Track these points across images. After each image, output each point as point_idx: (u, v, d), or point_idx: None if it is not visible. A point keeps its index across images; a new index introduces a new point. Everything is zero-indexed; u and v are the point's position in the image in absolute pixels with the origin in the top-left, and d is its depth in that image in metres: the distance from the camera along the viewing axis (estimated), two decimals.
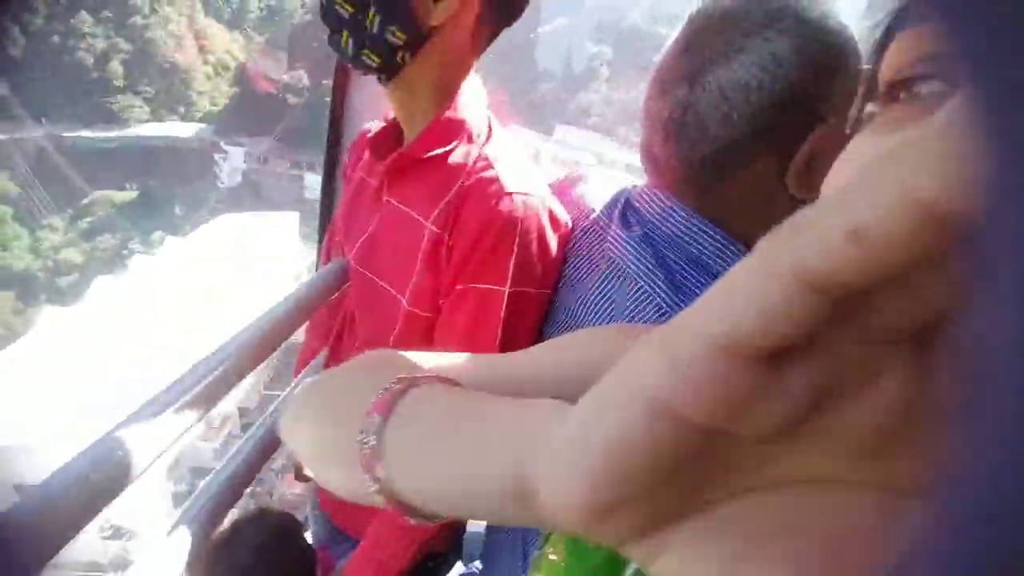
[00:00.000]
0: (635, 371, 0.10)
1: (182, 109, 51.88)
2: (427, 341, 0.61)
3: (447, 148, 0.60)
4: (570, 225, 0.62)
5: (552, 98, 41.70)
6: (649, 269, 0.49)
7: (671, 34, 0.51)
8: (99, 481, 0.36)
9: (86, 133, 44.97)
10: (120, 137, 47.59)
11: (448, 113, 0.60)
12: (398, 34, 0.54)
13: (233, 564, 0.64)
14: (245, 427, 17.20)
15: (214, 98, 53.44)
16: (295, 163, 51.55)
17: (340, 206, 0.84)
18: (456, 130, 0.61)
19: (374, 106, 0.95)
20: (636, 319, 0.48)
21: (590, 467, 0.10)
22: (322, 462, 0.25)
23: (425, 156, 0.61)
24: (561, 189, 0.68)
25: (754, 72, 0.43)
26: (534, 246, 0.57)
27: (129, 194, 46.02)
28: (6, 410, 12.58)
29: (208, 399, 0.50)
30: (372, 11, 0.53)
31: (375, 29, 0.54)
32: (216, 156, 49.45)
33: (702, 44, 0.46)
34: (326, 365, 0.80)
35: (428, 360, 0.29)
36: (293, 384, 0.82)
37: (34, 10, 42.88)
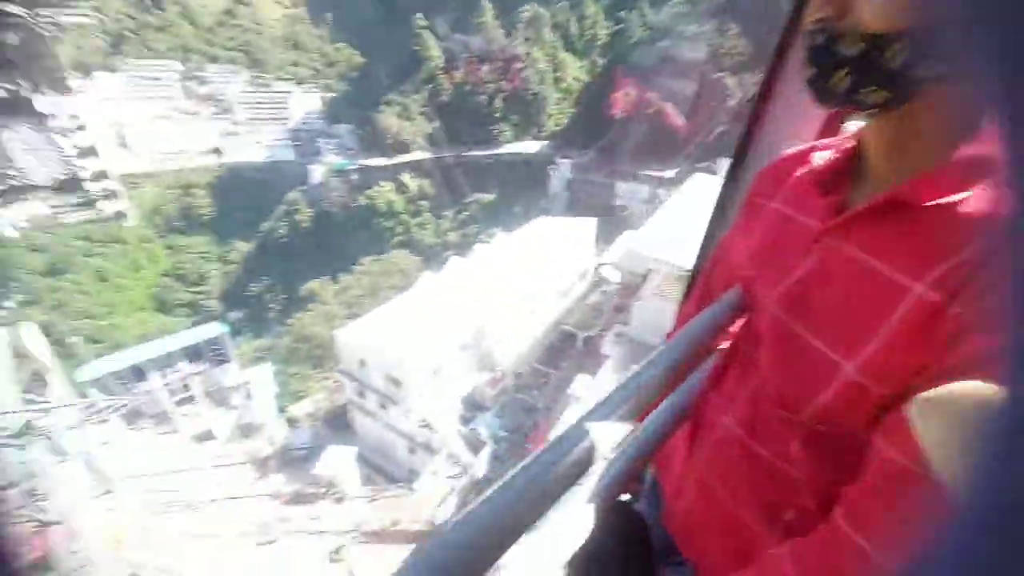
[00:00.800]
0: None
1: (535, 130, 63.83)
2: (870, 418, 0.53)
3: (960, 197, 0.49)
4: None
5: None
6: None
7: None
8: (537, 490, 0.42)
9: (475, 152, 61.15)
10: (493, 155, 62.37)
11: (965, 152, 0.50)
12: (929, 67, 0.47)
13: (594, 551, 0.63)
14: (517, 388, 20.66)
15: (559, 119, 63.62)
16: (609, 173, 55.67)
17: (734, 232, 0.81)
18: (975, 176, 0.49)
19: (780, 138, 0.94)
20: None
21: None
22: None
23: (926, 204, 0.51)
24: None
25: None
26: None
27: (492, 196, 60.40)
28: (393, 337, 19.16)
29: (633, 412, 0.57)
30: (897, 45, 0.47)
31: (896, 63, 0.47)
32: (549, 168, 58.87)
33: None
34: (703, 397, 0.77)
35: None
36: (669, 406, 0.79)
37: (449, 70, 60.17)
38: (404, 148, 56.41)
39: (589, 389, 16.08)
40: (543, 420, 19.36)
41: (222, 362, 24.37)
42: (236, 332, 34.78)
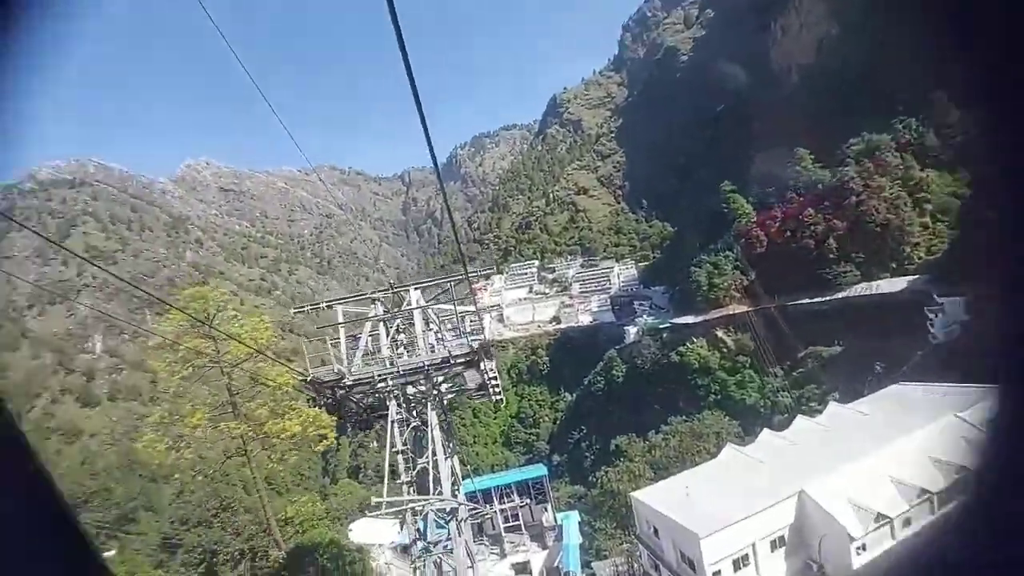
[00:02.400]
0: None
1: (893, 265, 51.47)
2: None
3: None
4: None
5: None
6: None
7: None
8: None
9: (804, 300, 53.46)
10: (830, 300, 52.79)
11: None
12: None
13: None
14: None
15: (931, 246, 49.72)
16: None
17: None
18: None
19: None
20: None
21: None
22: None
23: None
24: None
25: None
26: None
27: (835, 350, 49.54)
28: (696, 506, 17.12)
29: None
30: None
31: None
32: (927, 309, 44.73)
33: None
34: None
35: None
36: None
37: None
38: (716, 304, 55.41)
39: None
40: None
41: (542, 501, 27.15)
42: (556, 475, 38.56)
